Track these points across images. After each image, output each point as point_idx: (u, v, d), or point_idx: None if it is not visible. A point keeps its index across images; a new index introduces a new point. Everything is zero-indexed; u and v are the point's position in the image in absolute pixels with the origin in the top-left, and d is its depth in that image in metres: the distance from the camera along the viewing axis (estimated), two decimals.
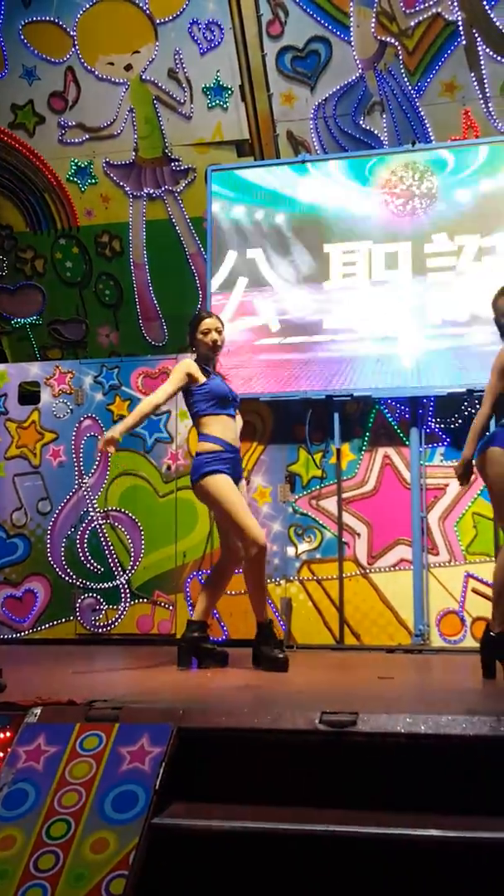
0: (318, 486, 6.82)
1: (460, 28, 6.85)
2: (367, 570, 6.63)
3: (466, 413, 6.49)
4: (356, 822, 3.02)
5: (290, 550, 6.80)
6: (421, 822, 2.99)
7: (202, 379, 5.31)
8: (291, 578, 6.77)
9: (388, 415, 6.74)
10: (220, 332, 5.42)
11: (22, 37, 7.84)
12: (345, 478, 6.76)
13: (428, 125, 7.02)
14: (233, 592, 6.41)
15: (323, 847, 3.02)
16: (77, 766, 3.31)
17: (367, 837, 2.98)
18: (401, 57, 6.99)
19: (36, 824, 3.14)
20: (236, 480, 5.28)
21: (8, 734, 3.57)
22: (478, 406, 5.04)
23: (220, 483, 5.17)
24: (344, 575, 6.65)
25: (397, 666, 5.66)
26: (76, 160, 7.95)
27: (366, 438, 6.77)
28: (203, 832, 3.08)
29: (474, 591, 6.43)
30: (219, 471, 5.18)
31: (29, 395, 7.55)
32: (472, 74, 6.91)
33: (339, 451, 6.75)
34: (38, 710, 3.62)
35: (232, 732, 3.34)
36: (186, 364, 5.33)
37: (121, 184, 7.89)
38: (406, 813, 3.06)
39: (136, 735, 3.35)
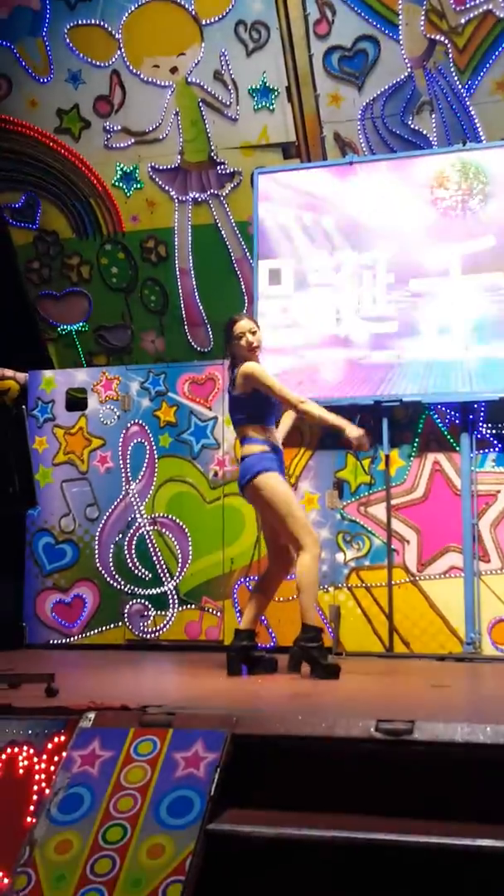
0: (366, 493, 6.76)
1: None
2: (417, 578, 6.55)
3: None
4: (413, 831, 2.97)
5: (339, 557, 6.74)
6: (480, 833, 2.93)
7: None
8: (340, 585, 6.70)
9: (438, 420, 6.66)
10: (254, 333, 5.37)
11: (67, 40, 7.83)
12: (394, 484, 6.69)
13: (478, 125, 6.92)
14: (281, 599, 6.37)
15: (379, 857, 2.97)
16: (132, 770, 3.29)
17: (425, 847, 2.93)
18: (451, 55, 6.91)
19: (92, 828, 3.12)
20: None
21: (62, 738, 3.55)
22: None
23: (275, 481, 5.14)
24: (393, 582, 6.57)
25: (449, 674, 5.58)
26: (122, 165, 7.94)
27: (415, 444, 6.69)
28: (258, 839, 3.05)
29: None
30: (271, 469, 5.15)
31: (76, 401, 7.56)
32: None
33: (387, 457, 6.68)
34: (91, 715, 3.60)
35: (286, 740, 3.30)
36: (260, 366, 5.31)
37: (166, 188, 7.87)
38: (464, 823, 3.01)
39: (191, 741, 3.32)
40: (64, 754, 3.45)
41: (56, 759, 3.47)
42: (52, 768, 3.44)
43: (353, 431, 5.26)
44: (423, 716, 3.32)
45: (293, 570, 5.27)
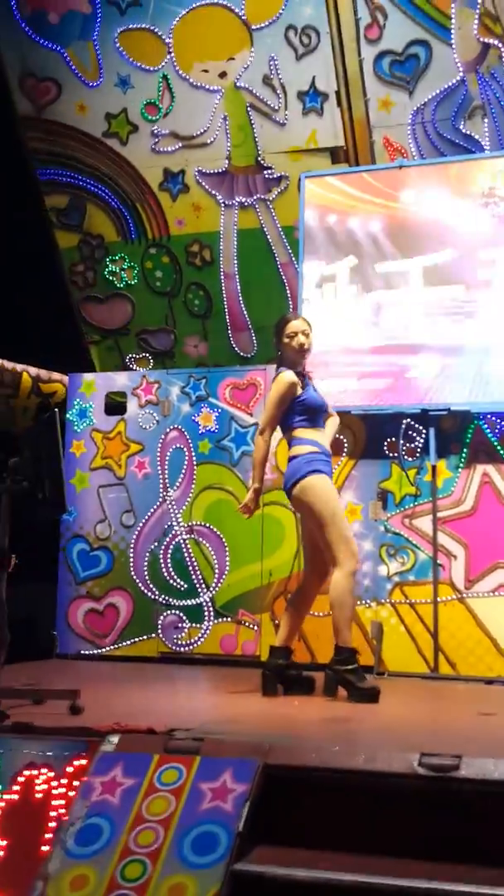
0: (411, 505, 6.53)
1: None
2: (464, 595, 6.31)
3: None
4: (457, 878, 2.74)
5: (382, 571, 6.51)
6: None
7: (300, 392, 5.11)
8: (383, 601, 6.48)
9: (488, 430, 6.42)
10: (307, 335, 5.22)
11: (117, 45, 7.71)
12: (440, 496, 6.44)
13: None
14: (320, 614, 6.18)
15: None
16: (155, 801, 3.10)
17: None
18: None
19: (110, 863, 2.94)
20: None
21: (83, 762, 3.38)
22: None
23: (325, 484, 4.96)
24: (439, 599, 6.32)
25: (498, 699, 5.34)
26: (169, 168, 7.79)
27: (463, 455, 6.45)
28: (289, 882, 2.84)
29: None
30: (321, 471, 4.97)
31: (115, 405, 7.43)
32: None
33: (434, 467, 6.44)
34: (115, 738, 3.43)
35: (322, 772, 3.09)
36: (289, 381, 5.13)
37: (213, 192, 7.71)
38: None
39: (219, 770, 3.13)
40: (84, 779, 3.27)
41: (76, 783, 3.30)
42: (72, 794, 3.27)
43: (245, 501, 5.16)
44: (471, 750, 3.11)
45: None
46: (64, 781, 3.32)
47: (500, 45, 6.68)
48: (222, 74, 7.52)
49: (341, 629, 4.86)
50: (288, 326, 5.24)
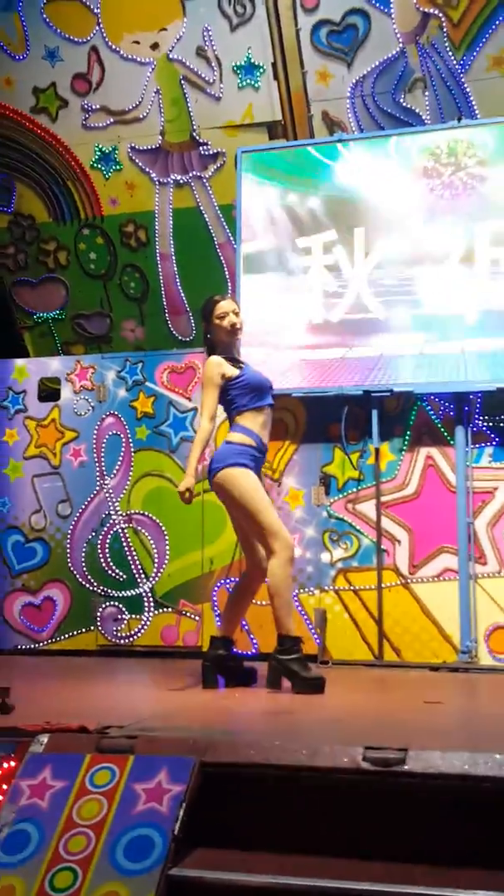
0: (354, 489, 6.39)
1: None
2: (409, 580, 6.18)
3: None
4: (404, 880, 2.59)
5: (325, 557, 6.37)
6: (479, 882, 2.56)
7: (236, 372, 4.92)
8: (326, 588, 6.34)
9: (432, 412, 6.29)
10: (237, 314, 5.05)
11: (44, 16, 7.46)
12: (384, 480, 6.31)
13: (474, 102, 6.55)
14: (262, 603, 6.01)
15: None
16: (86, 804, 2.91)
17: None
18: (445, 29, 6.52)
19: (38, 872, 2.74)
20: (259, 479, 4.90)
21: (12, 764, 3.18)
22: None
23: (249, 478, 4.77)
24: (383, 585, 6.20)
25: (444, 687, 5.22)
26: (100, 145, 7.56)
27: (407, 437, 6.32)
28: (229, 887, 2.66)
29: None
30: (248, 466, 4.78)
31: (49, 391, 7.19)
32: None
33: (377, 451, 6.30)
34: (45, 738, 3.23)
35: (262, 769, 2.92)
36: (217, 363, 4.93)
37: (147, 170, 7.50)
38: (462, 869, 2.63)
39: (154, 769, 2.94)
40: (12, 782, 3.07)
41: (4, 787, 3.09)
42: (0, 798, 3.07)
43: (181, 486, 4.86)
44: (416, 741, 2.95)
45: None
46: None
47: (440, 14, 6.53)
48: (154, 46, 7.30)
49: (282, 618, 4.70)
50: (217, 307, 5.05)
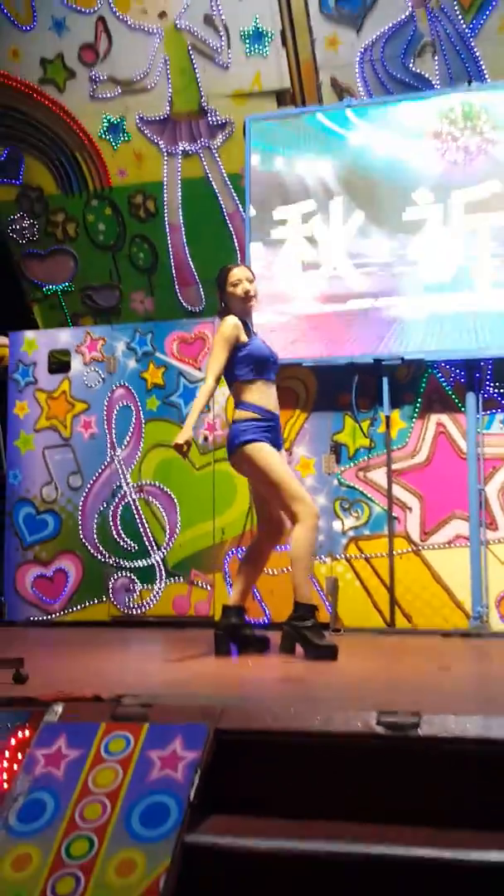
0: (365, 457, 6.39)
1: None
2: (420, 547, 6.19)
3: None
4: (420, 843, 2.60)
5: (337, 526, 6.38)
6: (495, 843, 2.57)
7: (245, 339, 4.90)
8: (338, 556, 6.34)
9: (442, 379, 6.28)
10: (251, 282, 5.00)
11: None
12: (395, 447, 6.31)
13: (484, 66, 6.50)
14: (274, 571, 6.08)
15: (383, 870, 2.60)
16: (101, 772, 2.92)
17: (435, 862, 2.56)
18: None
19: (54, 841, 2.75)
20: (279, 449, 4.88)
21: (27, 733, 3.19)
22: None
23: (263, 451, 4.75)
24: (394, 552, 6.21)
25: (455, 653, 5.23)
26: (108, 116, 7.53)
27: (417, 405, 6.31)
28: (244, 852, 2.67)
29: None
30: (258, 439, 4.77)
31: (59, 363, 7.18)
32: None
33: (388, 418, 6.30)
34: (59, 707, 3.23)
35: (276, 735, 2.92)
36: (233, 324, 4.88)
37: (155, 140, 7.46)
38: (479, 831, 2.64)
39: (168, 737, 2.95)
40: (27, 752, 3.09)
41: (20, 756, 3.11)
42: (16, 767, 3.09)
43: (179, 437, 4.80)
44: (430, 706, 2.95)
45: (285, 540, 4.89)
46: (7, 755, 3.14)
47: None
48: (161, 14, 7.25)
49: (300, 585, 4.70)
50: (231, 275, 5.02)
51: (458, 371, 6.23)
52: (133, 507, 6.81)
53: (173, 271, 7.64)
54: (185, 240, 7.60)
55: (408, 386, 6.36)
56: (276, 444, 4.89)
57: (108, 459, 6.91)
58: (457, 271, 6.16)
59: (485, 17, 6.46)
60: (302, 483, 6.35)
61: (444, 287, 6.17)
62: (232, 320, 4.91)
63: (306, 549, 4.70)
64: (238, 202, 7.26)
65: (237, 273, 5.01)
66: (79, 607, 6.84)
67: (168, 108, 7.41)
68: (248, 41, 7.08)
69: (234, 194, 7.32)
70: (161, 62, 7.35)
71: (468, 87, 6.28)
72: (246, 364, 4.90)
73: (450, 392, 6.26)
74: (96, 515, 6.88)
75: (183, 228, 7.58)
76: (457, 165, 6.19)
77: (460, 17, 6.50)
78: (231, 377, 4.97)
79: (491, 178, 6.13)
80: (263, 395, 4.90)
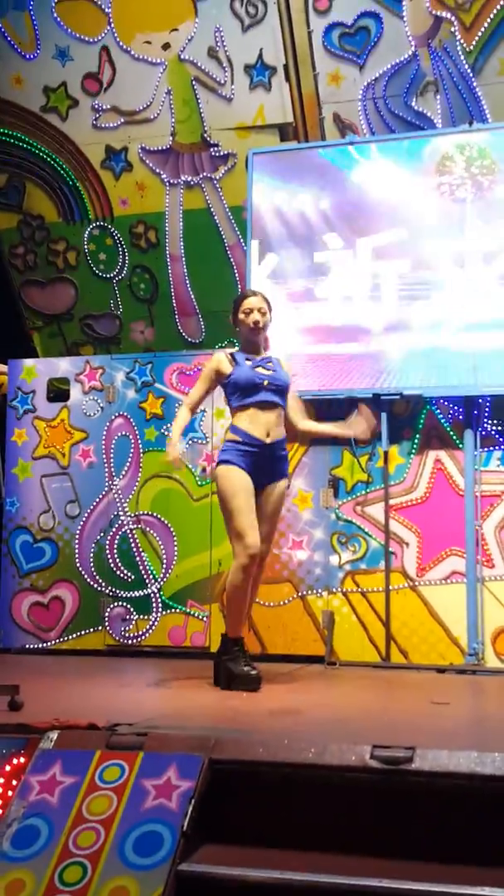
0: (363, 492, 6.39)
1: None
2: (416, 583, 6.18)
3: None
4: (411, 877, 2.60)
5: (333, 560, 6.37)
6: (486, 879, 2.57)
7: (228, 370, 5.03)
8: (334, 590, 6.34)
9: (441, 416, 6.29)
10: (263, 313, 5.11)
11: (55, 15, 7.49)
12: (392, 483, 6.32)
13: (485, 106, 6.56)
14: (270, 604, 6.08)
15: None
16: (96, 800, 2.93)
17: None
18: (457, 33, 6.54)
19: (48, 867, 2.76)
20: (268, 478, 4.91)
21: (21, 760, 3.20)
22: None
23: (230, 475, 4.85)
24: (391, 587, 6.20)
25: (451, 688, 5.22)
26: (111, 145, 7.58)
27: (416, 441, 6.32)
28: (236, 882, 2.68)
29: None
30: (232, 462, 4.85)
31: (58, 392, 7.19)
32: None
33: (386, 453, 6.31)
34: (54, 735, 3.25)
35: (270, 767, 2.93)
36: (215, 359, 5.15)
37: (157, 171, 7.51)
38: (469, 867, 2.64)
39: (163, 766, 2.96)
40: (22, 778, 3.09)
41: (14, 783, 3.11)
42: (10, 793, 3.09)
43: (168, 456, 5.06)
44: (424, 741, 2.96)
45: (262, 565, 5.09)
46: (1, 781, 3.14)
47: (453, 18, 6.55)
48: (165, 46, 7.32)
49: (226, 617, 4.83)
50: (244, 303, 5.15)
51: (456, 408, 6.25)
52: (130, 538, 6.80)
53: (174, 302, 7.67)
54: (185, 271, 7.64)
55: (406, 421, 6.37)
56: (264, 471, 4.95)
57: (106, 489, 6.90)
58: (457, 309, 6.18)
59: (486, 59, 6.50)
60: (299, 517, 6.39)
61: (444, 324, 6.18)
62: (214, 357, 5.16)
63: (231, 585, 4.84)
64: (239, 234, 7.31)
65: (251, 302, 5.14)
66: (74, 636, 6.81)
67: (171, 139, 7.46)
68: (251, 75, 7.16)
69: (236, 226, 7.36)
70: (164, 93, 7.41)
71: (469, 127, 6.33)
72: (232, 392, 5.08)
73: (448, 428, 6.27)
74: (93, 545, 6.87)
75: (184, 259, 7.62)
76: (458, 205, 6.22)
77: (463, 58, 6.57)
78: (228, 405, 5.14)
79: (493, 218, 6.14)
80: (253, 421, 4.99)
